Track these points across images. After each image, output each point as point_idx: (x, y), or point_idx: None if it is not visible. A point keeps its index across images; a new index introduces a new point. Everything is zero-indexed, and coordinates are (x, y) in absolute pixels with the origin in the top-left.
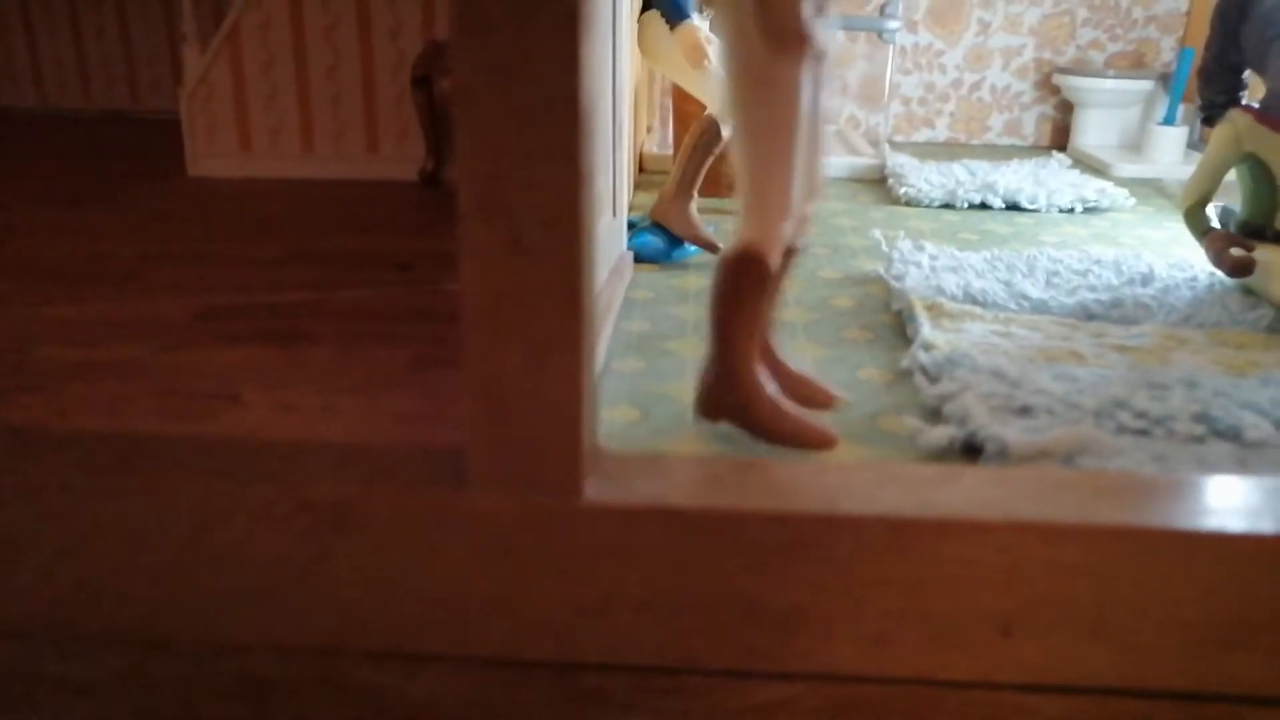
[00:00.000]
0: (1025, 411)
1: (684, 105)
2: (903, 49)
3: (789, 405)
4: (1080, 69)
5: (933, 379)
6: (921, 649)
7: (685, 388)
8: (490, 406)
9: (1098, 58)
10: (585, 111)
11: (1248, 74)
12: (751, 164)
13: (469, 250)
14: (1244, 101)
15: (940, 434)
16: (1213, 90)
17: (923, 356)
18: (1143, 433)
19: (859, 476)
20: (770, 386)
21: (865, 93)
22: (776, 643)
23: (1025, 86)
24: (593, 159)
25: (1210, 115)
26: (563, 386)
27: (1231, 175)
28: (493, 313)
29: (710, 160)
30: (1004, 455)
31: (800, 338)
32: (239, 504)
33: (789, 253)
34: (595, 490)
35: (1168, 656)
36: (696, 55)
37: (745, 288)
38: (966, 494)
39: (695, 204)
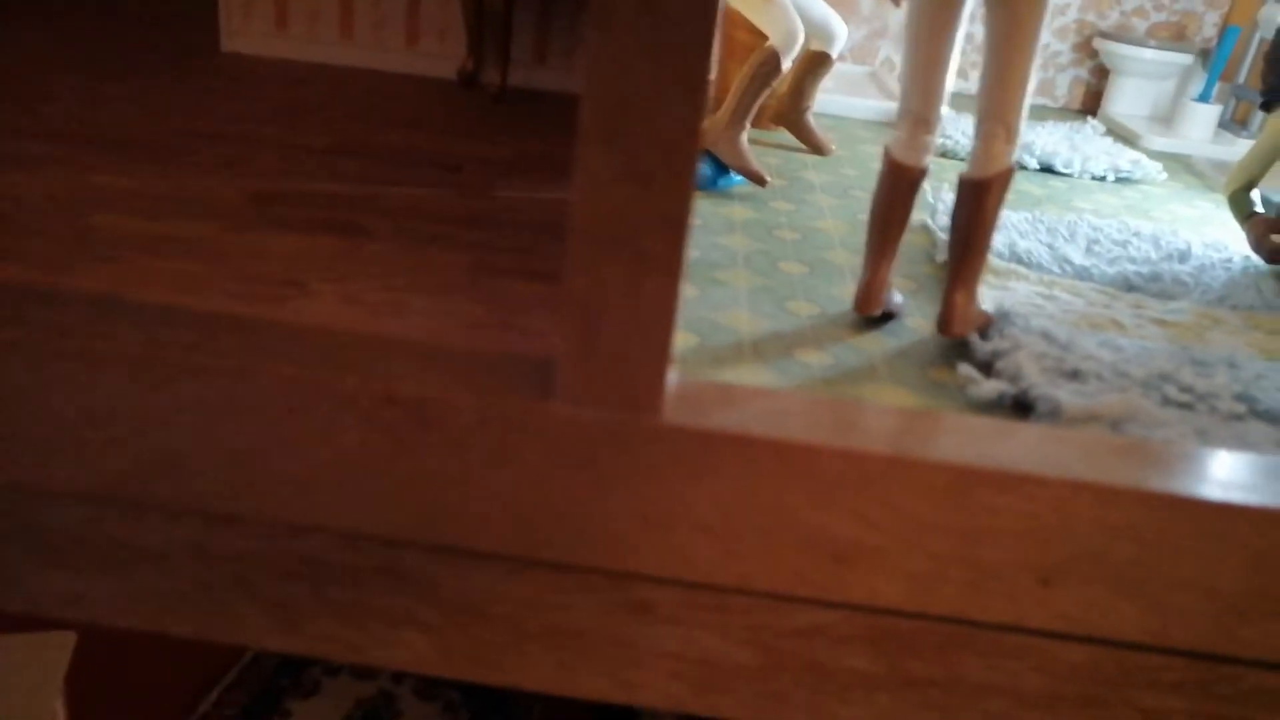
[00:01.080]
0: (1075, 375)
1: (731, 32)
2: None
3: None
4: (1121, 35)
5: (984, 335)
6: (962, 591)
7: (739, 317)
8: (586, 322)
9: (1140, 25)
10: (713, 32)
11: None
12: (1024, 87)
13: (585, 171)
14: None
15: (991, 388)
16: (1278, 76)
17: None
18: (1187, 406)
19: (922, 423)
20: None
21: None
22: (826, 572)
23: (1064, 47)
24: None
25: (1270, 101)
26: (657, 309)
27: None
28: (599, 233)
29: (767, 93)
30: (1055, 415)
31: (848, 280)
32: (325, 392)
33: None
34: (674, 412)
35: (1192, 619)
36: None
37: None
38: (1024, 449)
39: (747, 135)
